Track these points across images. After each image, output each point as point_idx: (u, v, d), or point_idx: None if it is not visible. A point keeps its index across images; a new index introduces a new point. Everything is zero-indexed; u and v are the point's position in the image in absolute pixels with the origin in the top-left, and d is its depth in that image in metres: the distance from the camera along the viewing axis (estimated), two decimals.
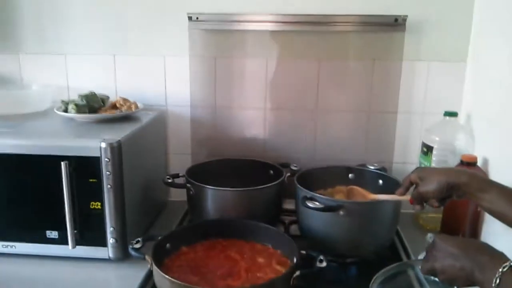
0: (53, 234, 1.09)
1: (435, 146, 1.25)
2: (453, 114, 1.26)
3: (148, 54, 1.41)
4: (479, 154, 1.19)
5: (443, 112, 1.26)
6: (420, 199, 0.93)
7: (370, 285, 0.88)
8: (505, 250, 0.70)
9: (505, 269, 0.66)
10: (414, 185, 0.96)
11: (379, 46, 1.35)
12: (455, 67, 1.34)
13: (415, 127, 1.38)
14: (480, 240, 1.05)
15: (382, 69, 1.36)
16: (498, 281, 0.65)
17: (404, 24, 1.30)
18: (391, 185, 1.16)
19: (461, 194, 0.87)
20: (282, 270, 0.99)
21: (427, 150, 1.27)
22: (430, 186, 0.89)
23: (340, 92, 1.39)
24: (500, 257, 0.69)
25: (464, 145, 1.24)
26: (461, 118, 1.32)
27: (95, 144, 1.03)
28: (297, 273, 0.92)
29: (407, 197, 0.99)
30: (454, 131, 1.27)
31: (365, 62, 1.36)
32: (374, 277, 0.91)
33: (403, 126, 1.39)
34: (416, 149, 1.35)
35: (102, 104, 1.30)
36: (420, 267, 0.83)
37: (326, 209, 1.05)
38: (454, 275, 0.73)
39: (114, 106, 1.31)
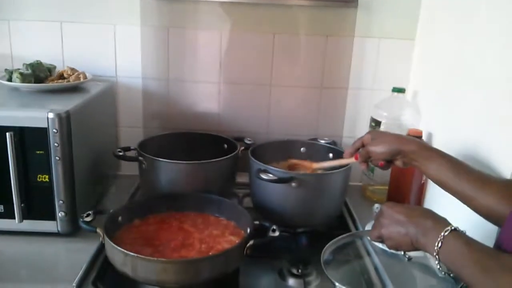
0: None
1: (383, 121, 1.30)
2: (400, 90, 1.31)
3: (97, 22, 1.35)
4: (425, 128, 1.25)
5: (392, 88, 1.31)
6: (367, 157, 0.97)
7: (322, 254, 0.92)
8: (447, 217, 0.74)
9: (446, 233, 0.69)
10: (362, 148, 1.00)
11: (332, 22, 1.37)
12: (404, 45, 1.38)
13: (364, 103, 1.43)
14: (424, 207, 1.11)
15: (335, 45, 1.38)
16: (440, 244, 0.69)
17: (357, 1, 1.33)
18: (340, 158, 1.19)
19: (408, 161, 0.91)
20: (236, 240, 1.01)
21: (376, 124, 1.31)
22: (380, 147, 0.93)
23: (293, 67, 1.41)
24: (442, 222, 0.73)
25: (410, 120, 1.30)
26: (408, 94, 1.37)
27: (42, 114, 0.99)
28: (251, 242, 0.94)
29: (350, 160, 1.03)
30: (401, 107, 1.32)
31: (319, 38, 1.38)
32: (325, 247, 0.94)
33: (353, 102, 1.43)
34: (365, 124, 1.39)
35: (48, 73, 1.24)
36: (368, 236, 0.87)
37: (279, 180, 1.08)
38: (400, 241, 0.77)
39: (61, 76, 1.25)
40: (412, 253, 0.84)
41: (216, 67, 1.40)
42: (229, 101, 1.43)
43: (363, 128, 1.41)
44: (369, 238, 1.05)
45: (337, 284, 0.85)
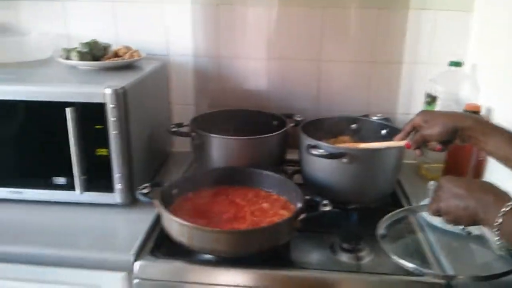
0: (60, 180, 1.10)
1: (439, 96, 1.25)
2: (458, 64, 1.25)
3: (149, 0, 1.37)
4: (483, 103, 1.20)
5: (448, 62, 1.26)
6: (422, 142, 0.93)
7: (377, 228, 0.91)
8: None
9: (508, 209, 0.67)
10: (414, 132, 0.97)
11: None
12: (462, 17, 1.32)
13: (419, 77, 1.38)
14: (485, 181, 1.06)
15: (388, 18, 1.34)
16: (500, 220, 0.67)
17: None
18: (394, 135, 1.16)
19: (465, 138, 0.87)
20: (287, 214, 1.01)
21: (431, 100, 1.27)
22: (434, 128, 0.89)
23: (344, 42, 1.38)
24: (504, 196, 0.70)
25: (468, 95, 1.25)
26: (466, 67, 1.31)
27: (100, 90, 1.03)
28: (302, 216, 0.95)
29: (401, 142, 0.99)
30: (459, 81, 1.26)
31: (370, 11, 1.34)
32: (380, 221, 0.93)
33: (407, 76, 1.39)
34: (420, 100, 1.34)
35: (104, 52, 1.29)
36: (425, 211, 0.85)
37: (330, 156, 1.07)
38: (459, 215, 0.74)
39: (116, 55, 1.29)
40: (470, 228, 0.82)
41: (265, 43, 1.39)
42: (278, 77, 1.43)
43: (418, 104, 1.36)
44: (426, 212, 1.04)
45: (393, 257, 0.84)
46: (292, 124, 1.28)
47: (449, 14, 1.32)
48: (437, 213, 0.79)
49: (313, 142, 1.11)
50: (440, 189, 0.79)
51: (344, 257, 0.98)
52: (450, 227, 1.03)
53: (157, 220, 1.03)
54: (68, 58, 1.22)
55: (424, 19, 1.33)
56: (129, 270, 0.95)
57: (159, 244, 1.00)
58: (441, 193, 0.78)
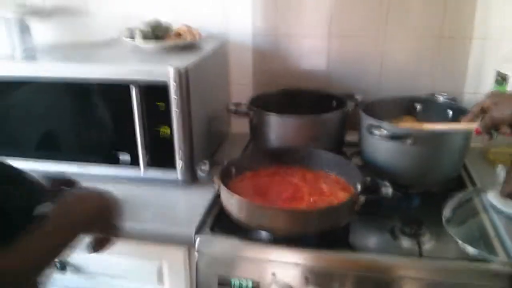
0: (125, 157, 1.15)
1: (511, 75, 1.17)
2: None
3: None
4: None
5: None
6: (492, 126, 0.88)
7: (442, 212, 0.88)
8: None
9: None
10: (482, 114, 0.91)
11: None
12: None
13: (490, 54, 1.28)
14: None
15: None
16: None
17: None
18: (461, 116, 1.10)
19: None
20: (346, 196, 1.00)
21: (502, 79, 1.19)
22: (506, 111, 0.84)
23: (408, 16, 1.31)
24: None
25: None
26: None
27: (163, 69, 1.05)
28: (362, 198, 0.93)
29: (471, 125, 0.93)
30: None
31: None
32: (445, 204, 0.90)
33: (476, 53, 1.30)
34: (491, 78, 1.26)
35: (166, 32, 1.31)
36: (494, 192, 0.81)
37: (394, 137, 1.03)
38: None
39: (178, 35, 1.31)
40: None
41: (325, 21, 1.36)
42: (338, 56, 1.39)
43: (487, 83, 1.27)
44: (492, 195, 1.00)
45: (459, 242, 0.81)
46: (352, 104, 1.25)
47: None
48: (511, 196, 0.75)
49: (375, 122, 1.08)
50: None
51: (405, 242, 0.95)
52: None
53: (217, 198, 1.05)
54: (131, 37, 1.26)
55: None
56: (190, 244, 0.98)
57: (218, 220, 1.02)
58: None
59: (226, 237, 0.97)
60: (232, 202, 0.93)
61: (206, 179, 1.01)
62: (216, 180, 0.98)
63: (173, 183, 1.15)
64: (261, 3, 1.38)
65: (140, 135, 1.09)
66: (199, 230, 0.98)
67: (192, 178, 1.14)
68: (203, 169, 1.03)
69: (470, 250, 0.85)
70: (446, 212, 0.89)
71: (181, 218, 1.04)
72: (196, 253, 0.97)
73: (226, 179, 1.02)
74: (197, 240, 0.97)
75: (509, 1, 1.24)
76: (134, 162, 1.14)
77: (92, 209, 0.72)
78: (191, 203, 1.09)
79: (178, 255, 1.02)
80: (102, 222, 0.74)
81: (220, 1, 1.40)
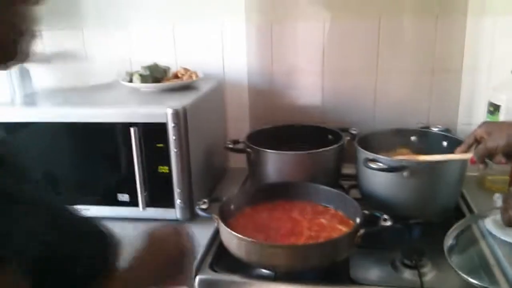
0: (124, 197, 1.16)
1: (502, 105, 1.19)
2: None
3: (205, 25, 1.42)
4: None
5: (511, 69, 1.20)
6: (486, 155, 0.89)
7: (444, 242, 0.88)
8: None
9: None
10: (476, 144, 0.93)
11: (442, 0, 1.29)
12: None
13: (481, 86, 1.32)
14: None
15: (445, 25, 1.30)
16: None
17: None
18: (456, 147, 1.12)
19: None
20: (345, 230, 1.00)
21: (494, 109, 1.21)
22: (499, 141, 0.85)
23: (401, 52, 1.35)
24: None
25: None
26: None
27: (162, 110, 1.07)
28: (361, 231, 0.93)
29: (466, 156, 0.95)
30: None
31: (427, 19, 1.31)
32: (447, 234, 0.90)
33: (468, 85, 1.34)
34: (483, 109, 1.29)
35: (164, 74, 1.35)
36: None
37: (390, 169, 1.05)
38: None
39: (175, 76, 1.35)
40: None
41: (319, 57, 1.40)
42: (333, 91, 1.42)
43: (480, 114, 1.30)
44: (490, 224, 1.00)
45: (461, 273, 0.81)
46: (348, 138, 1.27)
47: (509, 19, 1.26)
48: (510, 222, 0.76)
49: (371, 155, 1.09)
50: (511, 197, 0.75)
51: (406, 274, 0.95)
52: None
53: (216, 235, 1.06)
54: (130, 81, 1.29)
55: (484, 25, 1.28)
56: (189, 284, 0.97)
57: (218, 258, 1.02)
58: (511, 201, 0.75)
59: (226, 275, 0.97)
60: (231, 240, 0.94)
61: (205, 217, 1.02)
62: (215, 217, 0.98)
63: (173, 221, 1.15)
64: (255, 43, 1.42)
65: (139, 175, 1.11)
66: (198, 269, 0.98)
67: (191, 216, 1.15)
68: (202, 207, 1.03)
69: (473, 282, 0.85)
70: (447, 242, 0.90)
71: None
72: None
73: (225, 216, 1.02)
74: (197, 279, 0.96)
75: (498, 33, 1.28)
76: (133, 201, 1.15)
77: (171, 259, 0.69)
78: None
79: None
80: (175, 272, 0.70)
81: (216, 43, 1.44)
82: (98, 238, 0.60)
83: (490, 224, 1.04)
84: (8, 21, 0.51)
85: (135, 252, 0.66)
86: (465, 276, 0.85)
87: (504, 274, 0.90)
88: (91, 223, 0.60)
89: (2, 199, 0.48)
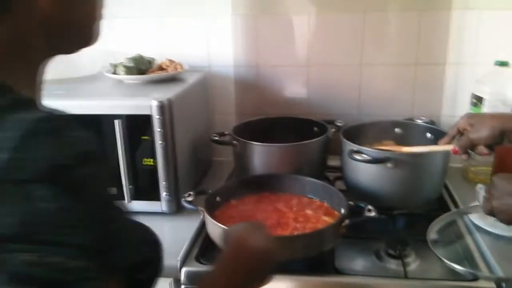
0: (110, 190, 1.14)
1: (485, 97, 1.21)
2: (504, 64, 1.21)
3: (191, 15, 1.41)
4: None
5: (494, 62, 1.22)
6: (469, 146, 0.90)
7: (427, 233, 0.89)
8: None
9: None
10: (459, 135, 0.94)
11: None
12: (506, 15, 1.27)
13: (464, 79, 1.34)
14: None
15: (430, 19, 1.32)
16: None
17: None
18: (440, 138, 1.13)
19: None
20: (330, 221, 1.01)
21: (477, 101, 1.23)
22: (482, 132, 0.87)
23: (385, 45, 1.36)
24: None
25: None
26: None
27: (147, 102, 1.07)
28: (346, 222, 0.94)
29: (449, 147, 0.96)
30: (506, 81, 1.22)
31: (411, 13, 1.32)
32: (430, 225, 0.92)
33: (452, 78, 1.35)
34: (466, 101, 1.30)
35: (149, 66, 1.33)
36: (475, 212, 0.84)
37: (374, 161, 1.06)
38: None
39: (160, 68, 1.34)
40: None
41: (304, 50, 1.40)
42: (318, 83, 1.43)
43: (464, 106, 1.32)
44: (474, 215, 1.02)
45: (445, 261, 0.82)
46: (333, 130, 1.27)
47: (493, 13, 1.28)
48: (491, 212, 0.77)
49: (355, 147, 1.10)
50: (493, 187, 0.77)
51: (390, 263, 0.96)
52: (500, 230, 1.00)
53: (202, 227, 1.06)
54: (115, 72, 1.28)
55: (468, 19, 1.30)
56: (175, 276, 0.97)
57: (204, 250, 1.02)
58: (494, 192, 0.76)
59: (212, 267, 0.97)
60: (217, 231, 0.94)
61: (191, 209, 1.02)
62: (201, 210, 0.98)
63: (158, 214, 1.15)
64: (241, 35, 1.42)
65: (124, 168, 1.10)
66: (184, 261, 0.98)
67: (177, 208, 1.14)
68: (188, 200, 1.03)
69: (457, 268, 0.86)
70: (431, 233, 0.91)
71: (166, 249, 1.03)
72: (182, 286, 0.96)
73: (211, 208, 1.02)
74: (183, 271, 0.96)
75: (480, 27, 1.29)
76: (119, 194, 1.14)
77: (254, 264, 0.66)
78: (176, 234, 1.08)
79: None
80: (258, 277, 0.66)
81: (202, 35, 1.43)
82: (154, 241, 0.60)
83: (476, 217, 1.05)
84: (93, 3, 0.53)
85: (218, 260, 0.65)
86: (449, 262, 0.86)
87: (486, 262, 0.93)
88: (145, 227, 0.58)
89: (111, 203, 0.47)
